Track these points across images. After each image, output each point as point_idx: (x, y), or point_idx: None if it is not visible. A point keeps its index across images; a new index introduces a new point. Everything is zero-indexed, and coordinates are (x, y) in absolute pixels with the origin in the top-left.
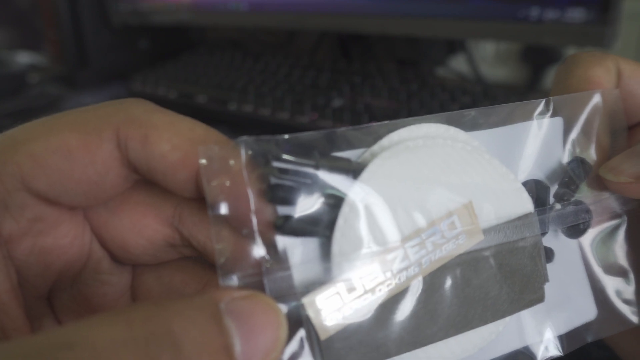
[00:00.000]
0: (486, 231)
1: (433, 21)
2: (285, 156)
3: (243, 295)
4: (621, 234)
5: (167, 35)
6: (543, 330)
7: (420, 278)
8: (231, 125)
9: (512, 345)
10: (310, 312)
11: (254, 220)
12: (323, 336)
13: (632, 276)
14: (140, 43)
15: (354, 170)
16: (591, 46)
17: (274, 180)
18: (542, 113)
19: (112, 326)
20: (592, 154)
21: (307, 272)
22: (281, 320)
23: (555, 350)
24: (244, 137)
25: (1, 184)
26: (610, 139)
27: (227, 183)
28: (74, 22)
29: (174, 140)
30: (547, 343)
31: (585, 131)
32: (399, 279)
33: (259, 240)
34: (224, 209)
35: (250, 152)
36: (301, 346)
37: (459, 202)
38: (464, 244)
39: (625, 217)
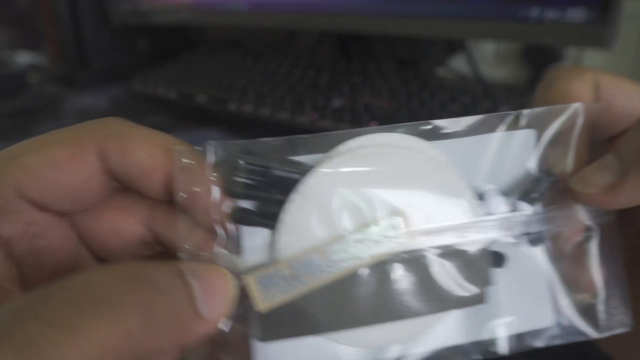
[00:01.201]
0: (428, 233)
1: (433, 21)
2: (245, 158)
3: (201, 264)
4: (591, 246)
5: (167, 35)
6: (492, 329)
7: (356, 270)
8: (231, 125)
9: (456, 339)
10: (251, 288)
11: (214, 210)
12: (260, 309)
13: (598, 289)
14: (140, 43)
15: (305, 172)
16: (591, 46)
17: (233, 178)
18: (514, 125)
19: (104, 270)
20: (568, 166)
21: (254, 256)
22: (231, 282)
23: (501, 348)
24: (211, 141)
25: (0, 193)
26: (589, 152)
27: (194, 179)
28: (74, 22)
29: (148, 149)
30: (493, 341)
31: (562, 143)
32: (335, 268)
33: (217, 227)
34: (189, 201)
35: (216, 154)
36: (243, 318)
37: (403, 205)
38: (405, 244)
39: (597, 230)
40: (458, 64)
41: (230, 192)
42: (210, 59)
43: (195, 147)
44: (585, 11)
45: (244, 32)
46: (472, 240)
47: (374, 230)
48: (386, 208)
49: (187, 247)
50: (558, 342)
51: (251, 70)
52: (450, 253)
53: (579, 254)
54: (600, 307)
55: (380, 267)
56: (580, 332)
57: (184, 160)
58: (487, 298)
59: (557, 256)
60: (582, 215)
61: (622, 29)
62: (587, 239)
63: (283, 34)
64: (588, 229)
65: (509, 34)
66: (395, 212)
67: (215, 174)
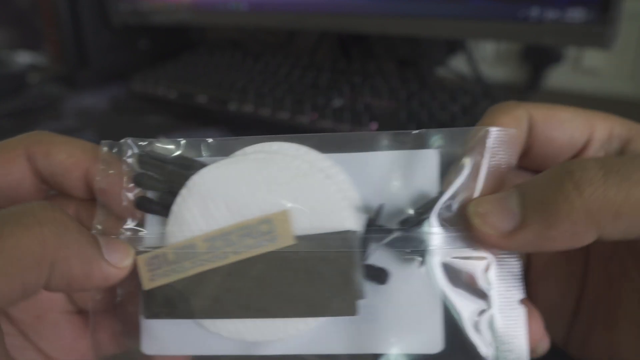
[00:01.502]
0: (299, 238)
1: (433, 21)
2: (148, 154)
3: (108, 237)
4: (485, 272)
5: (167, 35)
6: (373, 345)
7: (227, 263)
8: (231, 125)
9: (332, 349)
10: (140, 268)
11: (124, 198)
12: (145, 287)
13: (493, 314)
14: (140, 43)
15: (196, 169)
16: (591, 46)
17: (138, 170)
18: (418, 144)
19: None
20: (468, 190)
21: (152, 241)
22: (129, 250)
23: None
24: (128, 138)
25: None
26: (495, 177)
27: (110, 170)
28: (74, 22)
29: (68, 150)
30: (375, 358)
31: (465, 166)
32: (210, 260)
33: (126, 213)
34: (104, 188)
35: (129, 149)
36: (135, 294)
37: (277, 209)
38: (274, 245)
39: (490, 257)
40: (458, 64)
41: (136, 182)
42: (210, 59)
43: (118, 142)
44: (585, 11)
45: (244, 32)
46: (347, 250)
47: (251, 228)
48: (263, 209)
49: (98, 227)
50: None
51: (251, 70)
52: (321, 259)
53: (473, 278)
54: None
55: (253, 263)
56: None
57: (104, 152)
58: (359, 310)
59: (452, 279)
60: (472, 241)
61: (622, 29)
62: (481, 264)
63: (283, 34)
64: (482, 256)
65: (509, 34)
66: (272, 213)
67: (126, 167)
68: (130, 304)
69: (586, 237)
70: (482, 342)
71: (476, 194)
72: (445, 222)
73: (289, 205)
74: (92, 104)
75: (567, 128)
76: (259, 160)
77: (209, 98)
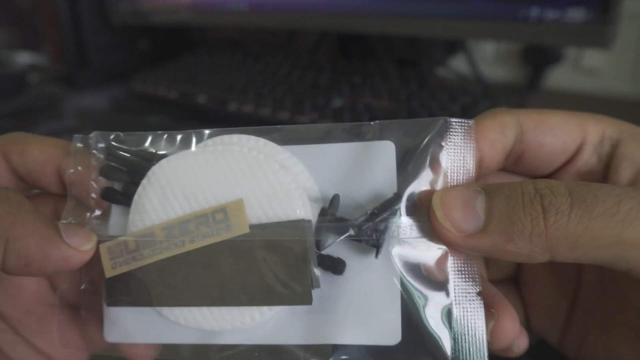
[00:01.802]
0: (253, 227)
1: (433, 21)
2: (112, 146)
3: (69, 223)
4: (442, 264)
5: (167, 35)
6: (328, 335)
7: (184, 251)
8: (231, 125)
9: (287, 338)
10: (103, 256)
11: (92, 188)
12: (107, 275)
13: (451, 306)
14: (140, 43)
15: (157, 161)
16: (591, 46)
17: (105, 162)
18: (374, 136)
19: None
20: (423, 179)
21: (117, 230)
22: (91, 235)
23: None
24: (96, 131)
25: None
26: (454, 167)
27: (80, 162)
28: (74, 22)
29: (42, 147)
30: (330, 349)
31: (422, 156)
32: (168, 248)
33: (92, 204)
34: (73, 179)
35: (97, 142)
36: (98, 281)
37: (232, 198)
38: (229, 233)
39: (450, 251)
40: (458, 64)
41: (102, 174)
42: (210, 59)
43: (88, 136)
44: (585, 11)
45: (244, 32)
46: (300, 239)
47: (207, 217)
48: (219, 198)
49: (67, 217)
50: None
51: (251, 70)
52: (275, 248)
53: (432, 270)
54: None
55: (209, 252)
56: (431, 353)
57: (76, 147)
58: (313, 300)
59: (410, 270)
60: (435, 234)
61: (622, 29)
62: (438, 255)
63: (283, 34)
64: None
65: (509, 34)
66: (227, 202)
67: (94, 160)
68: (95, 292)
69: (539, 258)
70: (440, 335)
71: (438, 185)
72: (404, 212)
73: (244, 194)
74: (92, 104)
75: (559, 133)
76: (217, 152)
77: (209, 98)
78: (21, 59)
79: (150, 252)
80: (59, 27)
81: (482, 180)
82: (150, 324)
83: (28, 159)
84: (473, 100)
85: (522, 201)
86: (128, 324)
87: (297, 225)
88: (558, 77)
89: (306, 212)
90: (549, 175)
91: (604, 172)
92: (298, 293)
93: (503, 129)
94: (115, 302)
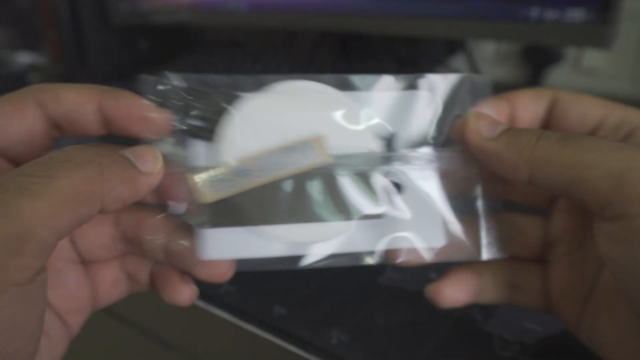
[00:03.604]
0: (336, 157)
1: (433, 21)
2: (193, 86)
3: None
4: (477, 187)
5: (167, 35)
6: (390, 241)
7: (281, 178)
8: None
9: (360, 247)
10: (197, 185)
11: (170, 124)
12: (202, 201)
13: (481, 221)
14: (140, 43)
15: (236, 100)
16: (591, 46)
17: (184, 99)
18: (413, 87)
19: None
20: (454, 122)
21: (198, 161)
22: (156, 152)
23: (394, 259)
24: (166, 72)
25: None
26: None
27: (154, 104)
28: (74, 22)
29: (77, 90)
30: (389, 252)
31: (452, 104)
32: (260, 176)
33: (171, 137)
34: (149, 118)
35: (174, 81)
36: (191, 208)
37: (312, 132)
38: (315, 162)
39: (479, 174)
40: (458, 64)
41: (180, 110)
42: (210, 59)
43: (159, 77)
44: (585, 11)
45: (244, 32)
46: (372, 167)
47: (294, 148)
48: (302, 133)
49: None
50: (446, 260)
51: (251, 70)
52: (355, 173)
53: (467, 189)
54: (482, 235)
55: (297, 178)
56: (465, 254)
57: (159, 87)
58: (385, 215)
59: (449, 189)
60: (470, 159)
61: (622, 29)
62: (474, 179)
63: (283, 34)
64: (473, 170)
65: (509, 34)
66: (311, 136)
67: (173, 97)
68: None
69: (521, 172)
70: (470, 242)
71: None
72: (444, 145)
73: (323, 129)
74: None
75: (582, 107)
76: (296, 94)
77: None
78: (21, 59)
79: (242, 180)
80: (59, 27)
81: None
82: (242, 241)
83: (65, 102)
84: None
85: (528, 131)
86: (223, 243)
87: (370, 156)
88: (558, 77)
89: (375, 145)
90: None
91: None
92: (369, 209)
93: (538, 98)
94: (213, 225)
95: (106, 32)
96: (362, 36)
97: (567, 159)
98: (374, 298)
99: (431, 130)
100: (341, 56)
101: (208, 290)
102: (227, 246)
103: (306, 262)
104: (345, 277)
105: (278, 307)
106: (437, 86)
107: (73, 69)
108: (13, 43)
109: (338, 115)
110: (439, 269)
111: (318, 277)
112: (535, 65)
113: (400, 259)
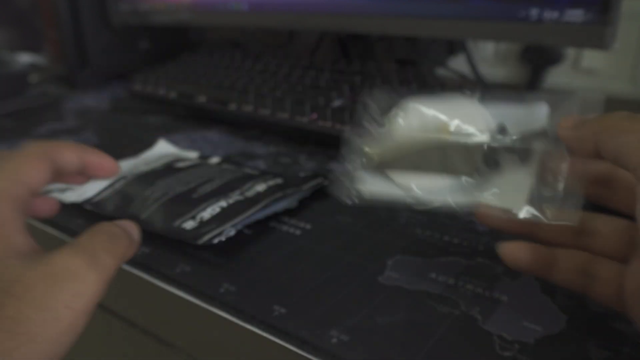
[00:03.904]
0: (468, 135)
1: (433, 21)
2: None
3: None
4: (562, 166)
5: (167, 35)
6: (481, 197)
7: (422, 149)
8: (231, 125)
9: (460, 201)
10: (364, 151)
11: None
12: (368, 157)
13: (559, 190)
14: (140, 43)
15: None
16: (591, 47)
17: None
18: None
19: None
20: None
21: (374, 144)
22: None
23: (481, 211)
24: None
25: None
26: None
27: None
28: (74, 22)
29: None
30: (478, 205)
31: (559, 117)
32: (412, 149)
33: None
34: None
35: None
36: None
37: (460, 120)
38: (463, 138)
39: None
40: (458, 64)
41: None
42: (210, 59)
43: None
44: (585, 12)
45: (244, 32)
46: (482, 146)
47: (445, 129)
48: (449, 120)
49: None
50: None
51: (251, 70)
52: (475, 147)
53: (553, 168)
54: (558, 202)
55: (434, 149)
56: (538, 216)
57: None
58: (479, 180)
59: (539, 167)
60: (562, 146)
61: (622, 29)
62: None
63: (283, 34)
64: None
65: (509, 34)
66: (460, 121)
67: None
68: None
69: (588, 143)
70: (549, 205)
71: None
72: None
73: (455, 121)
74: (92, 104)
75: (624, 144)
76: (442, 100)
77: (209, 98)
78: (21, 59)
79: (400, 153)
80: (59, 27)
81: None
82: (384, 186)
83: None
84: None
85: (602, 115)
86: (375, 185)
87: (481, 139)
88: (558, 77)
89: (486, 135)
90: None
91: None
92: (471, 172)
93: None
94: (372, 170)
95: (106, 32)
96: (362, 36)
97: (619, 127)
98: (374, 298)
99: (541, 131)
100: (341, 56)
101: (208, 290)
102: (376, 187)
103: (425, 205)
104: (345, 277)
105: (278, 307)
106: (555, 103)
107: (73, 69)
108: (13, 43)
109: (467, 113)
110: (444, 266)
111: (318, 277)
112: (535, 65)
113: (483, 217)
